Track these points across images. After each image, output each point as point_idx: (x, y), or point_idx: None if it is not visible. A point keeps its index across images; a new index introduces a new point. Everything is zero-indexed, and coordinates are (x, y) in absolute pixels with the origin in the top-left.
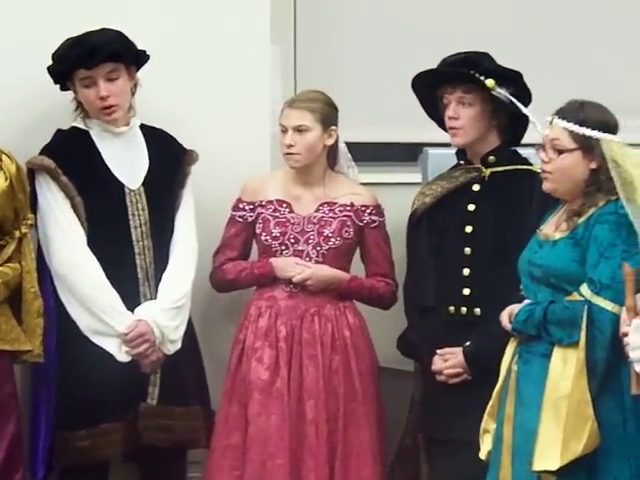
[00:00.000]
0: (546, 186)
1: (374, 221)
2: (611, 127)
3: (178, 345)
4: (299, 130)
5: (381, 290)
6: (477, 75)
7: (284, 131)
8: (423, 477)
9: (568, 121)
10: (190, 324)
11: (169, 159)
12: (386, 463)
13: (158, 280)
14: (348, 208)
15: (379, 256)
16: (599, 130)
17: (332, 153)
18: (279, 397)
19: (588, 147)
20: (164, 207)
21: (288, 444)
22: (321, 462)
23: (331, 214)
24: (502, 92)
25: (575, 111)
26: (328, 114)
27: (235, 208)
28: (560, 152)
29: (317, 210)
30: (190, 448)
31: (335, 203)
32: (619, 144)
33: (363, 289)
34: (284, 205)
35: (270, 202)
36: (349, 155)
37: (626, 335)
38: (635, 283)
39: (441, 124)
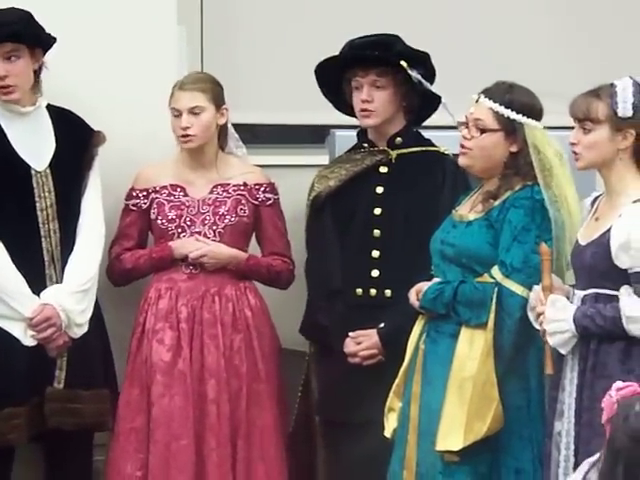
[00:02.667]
0: (462, 161)
1: (269, 199)
2: (536, 112)
3: (85, 329)
4: (194, 112)
5: (278, 268)
6: (394, 58)
7: (177, 115)
8: (320, 462)
9: (494, 101)
10: (97, 307)
11: (76, 140)
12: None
13: (64, 263)
14: (242, 188)
15: (275, 234)
16: (524, 114)
17: (223, 134)
18: (181, 378)
19: (511, 130)
20: (71, 189)
21: (192, 425)
22: (223, 441)
23: (225, 194)
24: (413, 74)
25: (502, 92)
26: (218, 93)
27: (128, 197)
28: (482, 131)
29: (211, 192)
30: (97, 431)
31: (228, 184)
32: (542, 131)
33: (261, 267)
34: (178, 189)
35: (164, 187)
36: (236, 135)
37: (540, 315)
38: (550, 263)
39: (342, 108)
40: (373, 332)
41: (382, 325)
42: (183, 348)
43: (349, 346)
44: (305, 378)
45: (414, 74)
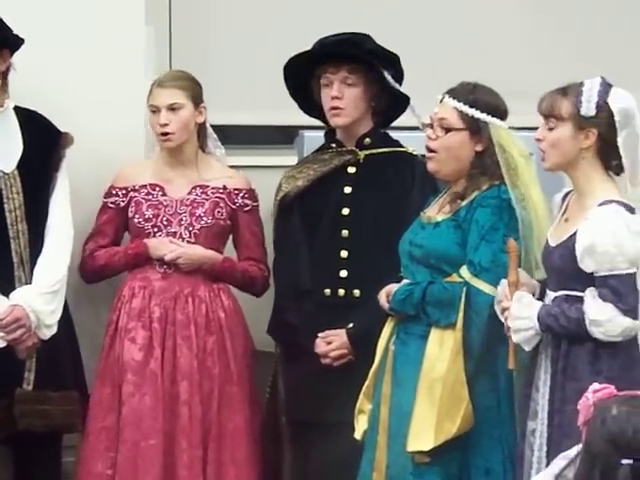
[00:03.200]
0: (430, 166)
1: (247, 205)
2: (501, 112)
3: (54, 330)
4: (172, 108)
5: (254, 274)
6: (366, 56)
7: (155, 112)
8: (286, 464)
9: (459, 101)
10: (66, 308)
11: (44, 142)
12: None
13: (33, 264)
14: (221, 191)
15: (251, 241)
16: (488, 114)
17: (202, 133)
18: (153, 378)
19: (476, 129)
20: (39, 190)
21: (162, 425)
22: (194, 443)
23: (204, 196)
24: (385, 74)
25: (467, 92)
26: (197, 91)
27: (107, 195)
28: (447, 130)
29: (190, 193)
30: (66, 433)
31: (207, 186)
32: (507, 130)
33: (236, 271)
34: (157, 188)
35: (143, 186)
36: (215, 135)
37: (505, 310)
38: (517, 258)
39: (309, 110)
40: (342, 332)
41: (351, 325)
42: (155, 348)
43: (320, 346)
44: (272, 379)
45: (384, 73)
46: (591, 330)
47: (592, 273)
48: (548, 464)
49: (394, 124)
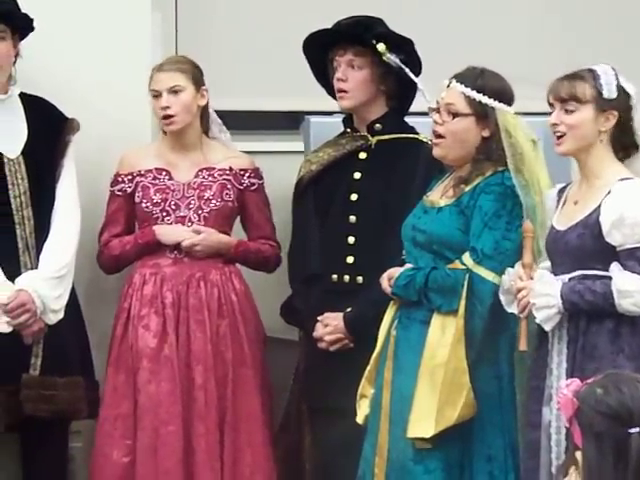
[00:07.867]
0: (436, 152)
1: (253, 184)
2: (507, 97)
3: (60, 315)
4: (174, 91)
5: (267, 253)
6: (369, 39)
7: (157, 96)
8: (306, 448)
9: (466, 86)
10: (73, 293)
11: (49, 128)
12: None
13: (39, 250)
14: (227, 172)
15: (261, 219)
16: (495, 99)
17: (205, 117)
18: (168, 364)
19: (483, 114)
20: (44, 176)
21: (180, 410)
22: (211, 427)
23: (210, 178)
24: (392, 58)
25: (474, 77)
26: (197, 74)
27: (113, 183)
28: (454, 116)
29: (196, 176)
30: (71, 419)
31: (214, 168)
32: (513, 115)
33: (249, 253)
34: (163, 173)
35: (149, 171)
36: (219, 120)
37: (520, 290)
38: (532, 240)
39: (331, 90)
40: (339, 316)
41: (349, 310)
42: (169, 334)
43: (318, 330)
44: (297, 364)
45: (391, 57)
46: (619, 303)
47: (614, 249)
48: (567, 447)
49: (412, 109)
